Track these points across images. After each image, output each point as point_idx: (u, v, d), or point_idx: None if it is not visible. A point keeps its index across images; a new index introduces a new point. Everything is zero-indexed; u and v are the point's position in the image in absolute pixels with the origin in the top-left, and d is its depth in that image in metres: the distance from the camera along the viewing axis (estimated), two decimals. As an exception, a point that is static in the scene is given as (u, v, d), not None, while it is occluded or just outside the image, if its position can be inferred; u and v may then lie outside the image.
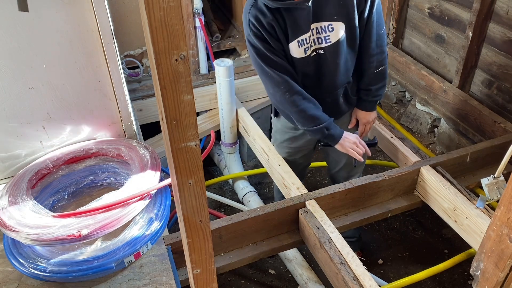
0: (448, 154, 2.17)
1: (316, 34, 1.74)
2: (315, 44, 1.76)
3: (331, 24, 1.73)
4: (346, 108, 2.00)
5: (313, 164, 2.78)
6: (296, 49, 1.75)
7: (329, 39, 1.75)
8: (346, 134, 1.90)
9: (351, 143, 1.89)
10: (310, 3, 1.67)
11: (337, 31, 1.74)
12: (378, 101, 2.01)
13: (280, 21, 1.70)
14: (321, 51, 1.78)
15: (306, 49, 1.76)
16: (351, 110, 2.03)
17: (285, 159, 2.21)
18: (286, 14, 1.69)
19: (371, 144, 2.03)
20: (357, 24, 1.78)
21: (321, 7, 1.71)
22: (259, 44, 1.72)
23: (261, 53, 1.74)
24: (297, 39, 1.73)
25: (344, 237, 1.76)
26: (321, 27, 1.73)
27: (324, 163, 2.82)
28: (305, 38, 1.73)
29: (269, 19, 1.68)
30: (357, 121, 2.05)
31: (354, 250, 1.72)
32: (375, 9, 1.79)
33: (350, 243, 1.75)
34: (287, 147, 2.16)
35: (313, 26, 1.73)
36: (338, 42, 1.76)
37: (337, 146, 1.91)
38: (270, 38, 1.71)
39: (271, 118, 2.84)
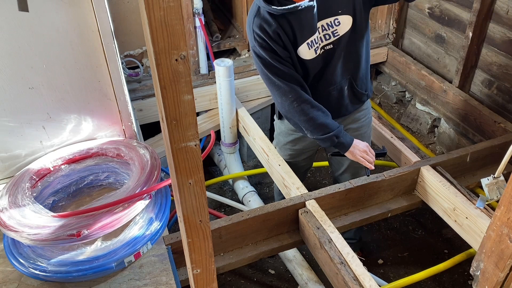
0: (448, 154, 2.17)
1: (323, 32, 1.73)
2: (322, 41, 1.75)
3: (337, 19, 1.72)
4: (351, 108, 1.97)
5: (313, 164, 2.77)
6: (306, 51, 1.73)
7: (336, 32, 1.74)
8: (356, 142, 1.88)
9: (361, 151, 1.87)
10: (314, 2, 1.66)
11: (344, 24, 1.73)
12: None
13: (286, 27, 1.68)
14: (330, 46, 1.77)
15: (316, 49, 1.75)
16: (358, 109, 2.01)
17: (287, 161, 2.20)
18: (292, 18, 1.67)
19: (381, 153, 1.99)
20: (363, 14, 1.76)
21: (325, 3, 1.69)
22: (265, 54, 1.71)
23: (268, 63, 1.73)
24: (307, 41, 1.71)
25: (345, 239, 1.76)
26: (327, 23, 1.72)
27: (324, 163, 2.82)
28: (314, 39, 1.72)
29: (274, 27, 1.67)
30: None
31: (354, 251, 1.72)
32: None
33: (350, 245, 1.75)
34: (290, 149, 2.16)
35: (319, 24, 1.72)
36: (346, 35, 1.75)
37: (347, 154, 1.89)
38: (276, 47, 1.69)
39: (272, 120, 2.83)
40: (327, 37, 1.75)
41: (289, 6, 1.63)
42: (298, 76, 1.77)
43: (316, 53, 1.76)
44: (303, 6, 1.65)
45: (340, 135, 1.84)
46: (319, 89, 1.86)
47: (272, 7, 1.63)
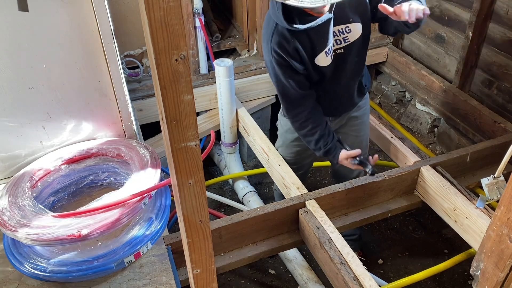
0: (448, 154, 2.17)
1: (334, 37, 1.77)
2: (334, 46, 1.79)
3: (348, 26, 1.76)
4: (358, 100, 2.04)
5: (313, 164, 2.77)
6: (324, 59, 1.78)
7: (347, 39, 1.78)
8: (339, 160, 1.92)
9: (345, 162, 1.94)
10: (332, 13, 1.69)
11: (354, 31, 1.77)
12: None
13: (305, 42, 1.71)
14: (341, 50, 1.81)
15: (332, 55, 1.79)
16: (362, 100, 2.07)
17: (292, 159, 2.22)
18: (311, 32, 1.70)
19: (372, 173, 1.90)
20: (370, 21, 1.81)
21: (338, 11, 1.73)
22: (280, 71, 1.76)
23: (280, 80, 1.79)
24: (325, 50, 1.75)
25: (344, 236, 1.76)
26: (338, 30, 1.76)
27: (324, 163, 2.82)
28: (331, 46, 1.77)
29: (294, 44, 1.70)
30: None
31: (354, 250, 1.72)
32: None
33: (350, 242, 1.75)
34: (297, 145, 2.17)
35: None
36: (356, 41, 1.79)
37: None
38: (293, 62, 1.73)
39: (272, 120, 2.83)
40: (338, 42, 1.79)
41: (311, 24, 1.65)
42: (307, 93, 1.83)
43: (331, 58, 1.80)
44: (323, 20, 1.67)
45: (327, 155, 1.94)
46: (331, 90, 1.91)
47: (294, 25, 1.65)
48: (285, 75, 1.77)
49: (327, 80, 1.87)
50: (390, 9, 1.58)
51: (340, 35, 1.77)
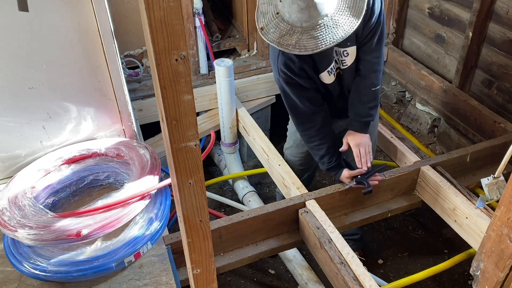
0: (448, 154, 2.17)
1: (336, 56, 1.80)
2: (336, 64, 1.83)
3: (346, 50, 1.78)
4: None
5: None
6: (327, 77, 1.82)
7: (345, 62, 1.82)
8: (340, 178, 1.98)
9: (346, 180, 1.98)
10: None
11: (352, 54, 1.80)
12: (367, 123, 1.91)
13: (308, 60, 1.75)
14: (340, 71, 1.85)
15: (335, 73, 1.83)
16: None
17: (299, 161, 2.22)
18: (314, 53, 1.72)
19: (366, 192, 1.94)
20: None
21: None
22: (288, 89, 1.81)
23: (289, 97, 1.84)
24: (327, 70, 1.79)
25: (346, 235, 1.76)
26: (339, 51, 1.79)
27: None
28: (333, 66, 1.80)
29: (299, 64, 1.74)
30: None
31: (355, 250, 1.72)
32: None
33: (352, 242, 1.75)
34: None
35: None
36: (352, 64, 1.83)
37: None
38: (301, 80, 1.78)
39: (272, 120, 2.82)
40: (338, 62, 1.82)
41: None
42: (316, 110, 1.86)
43: (334, 76, 1.84)
44: None
45: (329, 171, 1.99)
46: (340, 99, 1.94)
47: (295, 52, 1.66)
48: (294, 92, 1.81)
49: (335, 96, 1.92)
50: (345, 147, 1.90)
51: (341, 56, 1.80)
